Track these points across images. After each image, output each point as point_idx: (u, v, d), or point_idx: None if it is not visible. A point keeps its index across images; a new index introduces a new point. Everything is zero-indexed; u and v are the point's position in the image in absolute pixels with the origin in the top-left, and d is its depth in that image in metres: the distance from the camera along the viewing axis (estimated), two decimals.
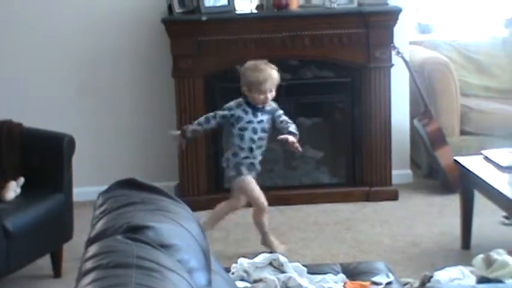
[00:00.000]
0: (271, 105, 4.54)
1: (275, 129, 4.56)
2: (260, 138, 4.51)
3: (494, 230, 4.85)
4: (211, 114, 4.55)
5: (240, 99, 4.51)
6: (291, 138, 4.42)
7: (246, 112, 4.48)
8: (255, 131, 4.48)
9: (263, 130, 4.51)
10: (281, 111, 4.56)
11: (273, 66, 4.48)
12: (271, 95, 4.46)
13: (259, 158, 4.56)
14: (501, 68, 6.31)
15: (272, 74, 4.43)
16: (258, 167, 4.58)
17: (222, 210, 4.67)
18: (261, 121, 4.49)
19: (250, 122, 4.48)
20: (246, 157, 4.52)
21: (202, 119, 4.56)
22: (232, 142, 4.53)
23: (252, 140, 4.49)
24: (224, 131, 4.66)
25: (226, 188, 5.53)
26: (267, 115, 4.51)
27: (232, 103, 4.52)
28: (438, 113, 5.69)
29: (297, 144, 4.45)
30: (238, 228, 5.08)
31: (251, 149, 4.50)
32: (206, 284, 2.05)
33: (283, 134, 4.48)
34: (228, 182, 4.81)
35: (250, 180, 4.55)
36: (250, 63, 4.51)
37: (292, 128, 4.48)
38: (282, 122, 4.51)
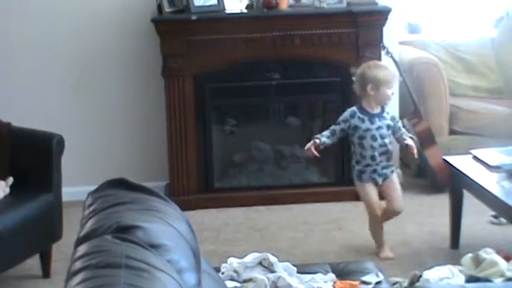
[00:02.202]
0: (389, 113, 4.49)
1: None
2: (381, 145, 4.42)
3: (483, 230, 4.86)
4: (332, 128, 4.45)
5: (354, 108, 4.45)
6: (412, 143, 4.42)
7: (362, 120, 4.40)
8: (374, 138, 4.40)
9: (382, 137, 4.41)
10: (399, 121, 4.56)
11: None
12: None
13: (384, 163, 4.44)
14: (490, 68, 6.32)
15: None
16: (384, 172, 4.46)
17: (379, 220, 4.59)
18: (380, 127, 4.40)
19: (368, 130, 4.39)
20: (368, 165, 4.43)
21: (327, 132, 4.45)
22: (354, 151, 4.48)
23: (373, 148, 4.41)
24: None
25: (216, 188, 5.54)
26: (385, 122, 4.42)
27: (346, 114, 4.45)
28: (427, 112, 5.70)
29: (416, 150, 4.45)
30: (228, 228, 5.07)
31: (373, 157, 4.42)
32: (196, 284, 2.05)
33: (399, 141, 4.49)
34: None
35: (369, 188, 4.48)
36: (369, 63, 4.46)
37: (409, 134, 4.50)
38: (399, 129, 4.46)
